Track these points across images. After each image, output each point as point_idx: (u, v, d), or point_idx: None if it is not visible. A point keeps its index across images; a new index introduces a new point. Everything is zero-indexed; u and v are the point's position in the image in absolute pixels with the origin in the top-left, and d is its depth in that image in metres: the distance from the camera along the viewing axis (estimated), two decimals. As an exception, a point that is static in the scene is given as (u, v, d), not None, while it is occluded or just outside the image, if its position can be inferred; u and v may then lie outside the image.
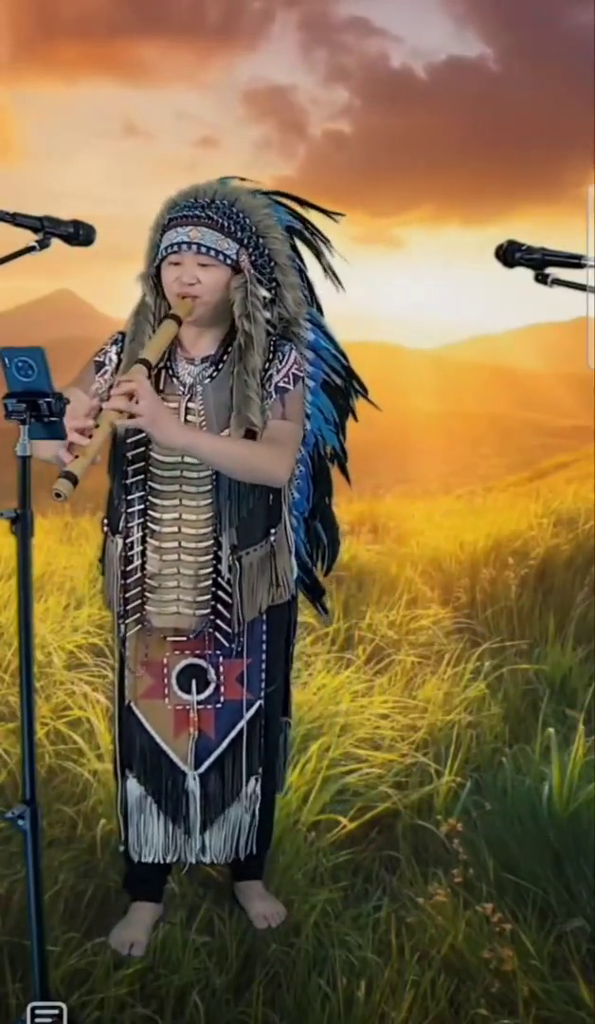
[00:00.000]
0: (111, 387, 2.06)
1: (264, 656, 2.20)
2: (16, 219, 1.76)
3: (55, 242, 1.81)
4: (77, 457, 1.75)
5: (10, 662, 3.48)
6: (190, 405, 2.07)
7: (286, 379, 2.08)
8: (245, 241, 2.06)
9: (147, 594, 2.10)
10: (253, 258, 2.07)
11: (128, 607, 2.11)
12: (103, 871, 2.48)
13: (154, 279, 2.08)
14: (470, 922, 2.29)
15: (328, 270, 2.27)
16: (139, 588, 2.10)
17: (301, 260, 2.25)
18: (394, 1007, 2.05)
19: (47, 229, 1.77)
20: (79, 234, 1.82)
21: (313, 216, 2.26)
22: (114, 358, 2.13)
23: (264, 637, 2.20)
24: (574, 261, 1.72)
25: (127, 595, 2.11)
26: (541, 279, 1.74)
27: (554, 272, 1.73)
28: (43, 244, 1.77)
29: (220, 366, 2.08)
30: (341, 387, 2.32)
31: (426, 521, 6.65)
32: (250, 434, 2.01)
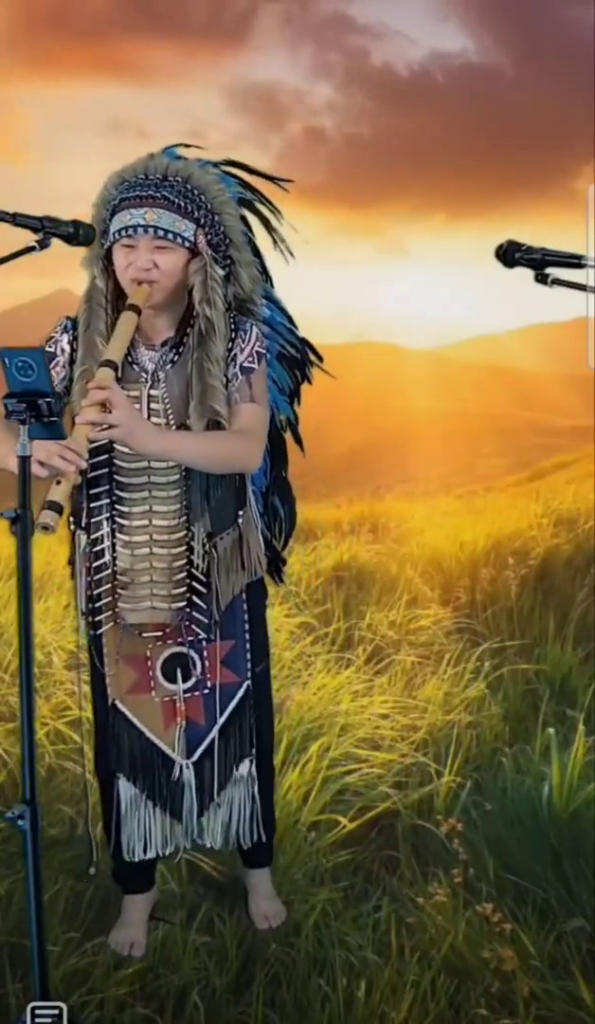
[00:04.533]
0: (71, 381, 2.01)
1: (248, 636, 2.17)
2: (16, 219, 1.76)
3: (55, 242, 1.80)
4: (58, 483, 1.68)
5: (10, 662, 3.48)
6: (152, 393, 2.01)
7: (251, 358, 2.03)
8: (202, 220, 1.99)
9: (119, 591, 2.06)
10: (209, 237, 2.00)
11: (98, 605, 2.07)
12: (103, 871, 2.48)
13: (104, 260, 2.00)
14: (470, 922, 2.29)
15: (279, 242, 2.23)
16: (110, 585, 2.06)
17: (251, 232, 2.20)
18: (394, 1007, 2.05)
19: (47, 229, 1.77)
20: (79, 234, 1.81)
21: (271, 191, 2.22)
22: (66, 348, 2.05)
23: (246, 616, 2.17)
24: (574, 261, 1.72)
25: (97, 592, 2.07)
26: (541, 279, 1.74)
27: (554, 272, 1.73)
28: (43, 244, 1.77)
29: (181, 350, 2.02)
30: (296, 357, 2.28)
31: (426, 521, 6.65)
32: (213, 423, 1.96)
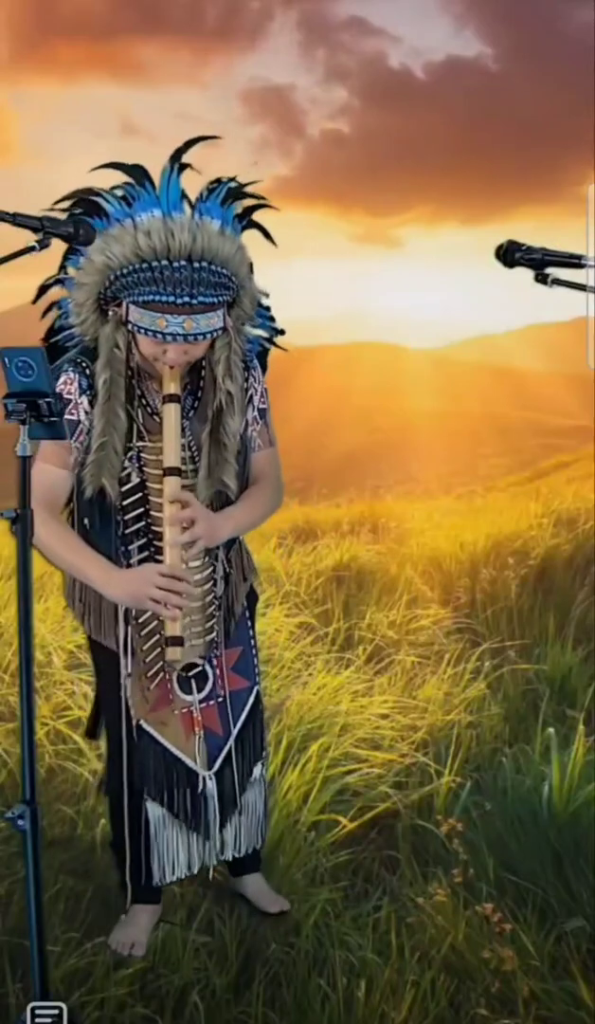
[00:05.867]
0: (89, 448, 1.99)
1: (252, 641, 2.21)
2: (16, 219, 1.75)
3: (55, 242, 1.80)
4: (174, 619, 1.92)
5: (10, 662, 3.48)
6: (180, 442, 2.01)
7: (263, 399, 2.10)
8: (229, 299, 1.96)
9: (159, 632, 2.06)
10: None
11: (148, 659, 2.08)
12: (103, 871, 2.48)
13: (127, 333, 1.95)
14: (470, 922, 2.29)
15: (253, 226, 2.12)
16: (157, 636, 2.06)
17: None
18: (394, 1007, 2.05)
19: (47, 229, 1.76)
20: (79, 234, 1.81)
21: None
22: (88, 409, 1.98)
23: (249, 623, 2.21)
24: (574, 261, 1.72)
25: (146, 646, 2.07)
26: (541, 279, 1.74)
27: (554, 272, 1.73)
28: (43, 244, 1.77)
29: (199, 394, 2.06)
30: (267, 349, 2.26)
31: (426, 521, 6.66)
32: (221, 495, 2.04)
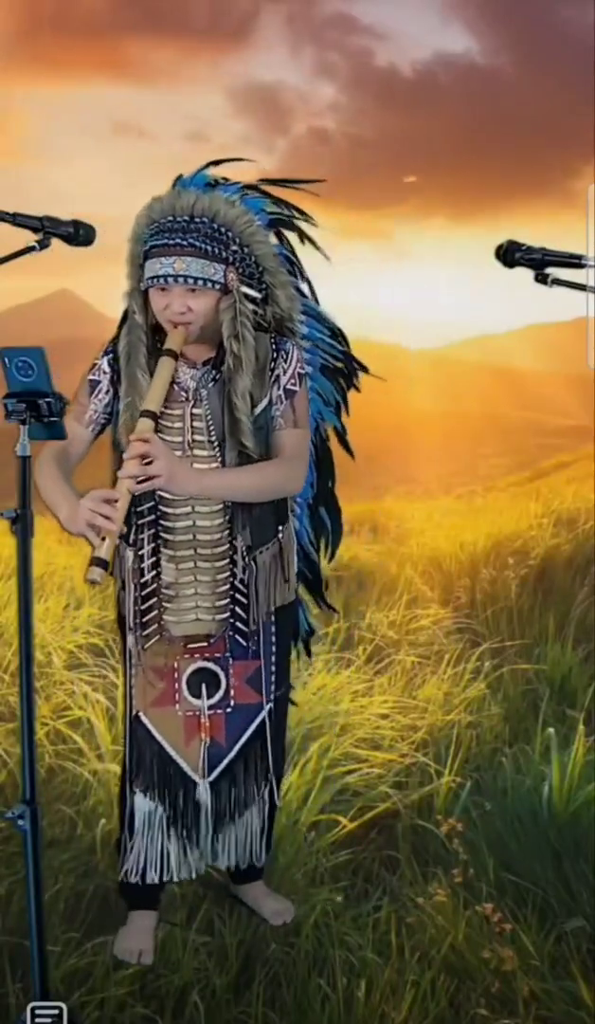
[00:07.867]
0: (113, 411, 2.06)
1: (274, 658, 2.17)
2: (16, 219, 1.76)
3: (55, 242, 1.80)
4: (103, 538, 1.76)
5: (10, 662, 3.48)
6: (195, 411, 2.03)
7: (293, 380, 2.06)
8: (231, 259, 2.00)
9: (165, 604, 2.06)
10: (240, 269, 2.03)
11: (145, 619, 2.07)
12: (103, 871, 2.48)
13: (142, 297, 2.03)
14: (470, 922, 2.29)
15: (307, 241, 2.24)
16: (155, 599, 2.06)
17: (292, 250, 2.22)
18: (394, 1007, 2.06)
19: (47, 229, 1.77)
20: (79, 234, 1.82)
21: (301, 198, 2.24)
22: (107, 369, 2.09)
23: (273, 639, 2.17)
24: (574, 261, 1.72)
25: (143, 607, 2.06)
26: (541, 279, 1.74)
27: (554, 272, 1.73)
28: (43, 244, 1.77)
29: (222, 368, 2.04)
30: (340, 369, 2.30)
31: (426, 521, 6.66)
32: (243, 456, 2.00)
